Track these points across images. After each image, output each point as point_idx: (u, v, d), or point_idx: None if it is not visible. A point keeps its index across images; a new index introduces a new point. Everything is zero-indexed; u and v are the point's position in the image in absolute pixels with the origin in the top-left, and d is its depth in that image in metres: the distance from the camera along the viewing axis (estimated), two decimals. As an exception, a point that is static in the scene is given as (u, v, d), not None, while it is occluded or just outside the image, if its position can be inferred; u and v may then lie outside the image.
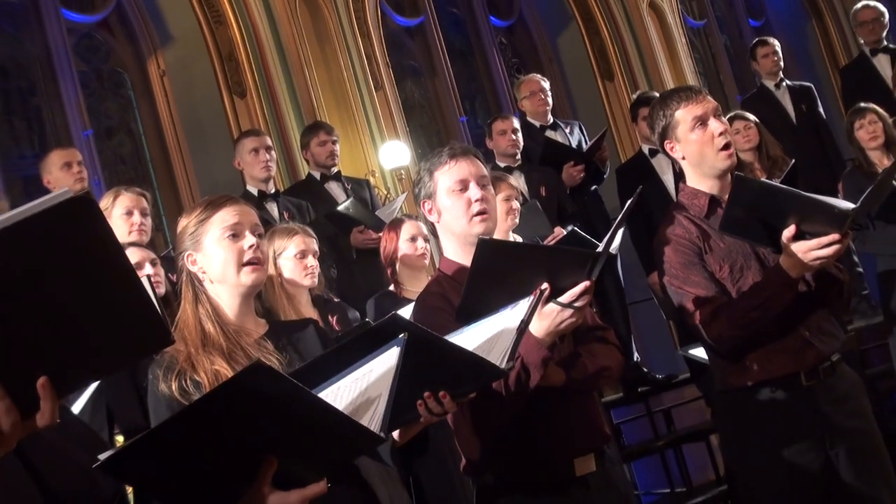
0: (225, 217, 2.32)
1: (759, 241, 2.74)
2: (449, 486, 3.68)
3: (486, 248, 2.26)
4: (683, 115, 2.86)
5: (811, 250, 2.56)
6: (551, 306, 2.28)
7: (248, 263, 2.30)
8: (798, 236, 2.59)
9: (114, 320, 1.25)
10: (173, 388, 2.18)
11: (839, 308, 2.91)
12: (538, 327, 2.28)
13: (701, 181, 2.91)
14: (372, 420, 1.69)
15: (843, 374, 2.85)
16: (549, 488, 2.48)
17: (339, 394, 1.81)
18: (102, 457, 1.43)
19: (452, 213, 2.55)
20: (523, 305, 2.16)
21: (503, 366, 2.02)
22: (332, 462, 1.70)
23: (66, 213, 1.14)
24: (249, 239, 2.31)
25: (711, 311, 2.75)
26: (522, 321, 2.11)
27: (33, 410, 1.24)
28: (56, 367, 1.25)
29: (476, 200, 2.52)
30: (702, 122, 2.84)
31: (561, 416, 2.48)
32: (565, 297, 2.27)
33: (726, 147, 2.84)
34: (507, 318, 2.15)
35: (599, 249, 2.33)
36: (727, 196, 2.78)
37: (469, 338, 2.14)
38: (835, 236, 2.53)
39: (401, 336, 1.86)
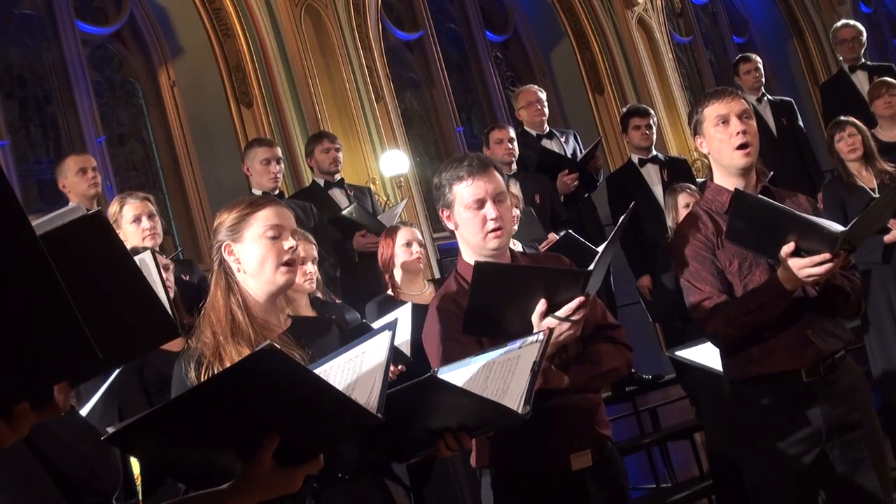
0: (269, 216, 2.35)
1: (760, 252, 2.78)
2: (446, 484, 3.81)
3: (484, 271, 2.32)
4: (709, 112, 2.91)
5: (804, 268, 2.61)
6: (549, 320, 2.34)
7: (286, 264, 2.34)
8: (796, 251, 2.63)
9: (123, 317, 1.28)
10: (202, 379, 2.22)
11: (847, 313, 2.91)
12: None
13: (725, 178, 2.94)
14: (368, 402, 1.71)
15: (846, 370, 2.85)
16: (548, 482, 2.55)
17: (331, 373, 1.84)
18: (112, 429, 1.45)
19: (469, 227, 2.61)
20: (533, 346, 2.15)
21: (521, 411, 2.03)
22: (330, 441, 1.73)
23: (81, 227, 1.21)
24: (290, 241, 2.35)
25: (711, 308, 2.81)
26: (535, 363, 2.11)
27: (44, 399, 1.26)
28: None
29: (491, 219, 2.57)
30: (724, 120, 2.88)
31: (560, 415, 2.53)
32: (562, 312, 2.35)
33: (743, 146, 2.86)
34: (519, 358, 2.15)
35: (591, 268, 2.39)
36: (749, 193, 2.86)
37: (481, 375, 2.17)
38: (826, 256, 2.58)
39: (393, 320, 1.92)
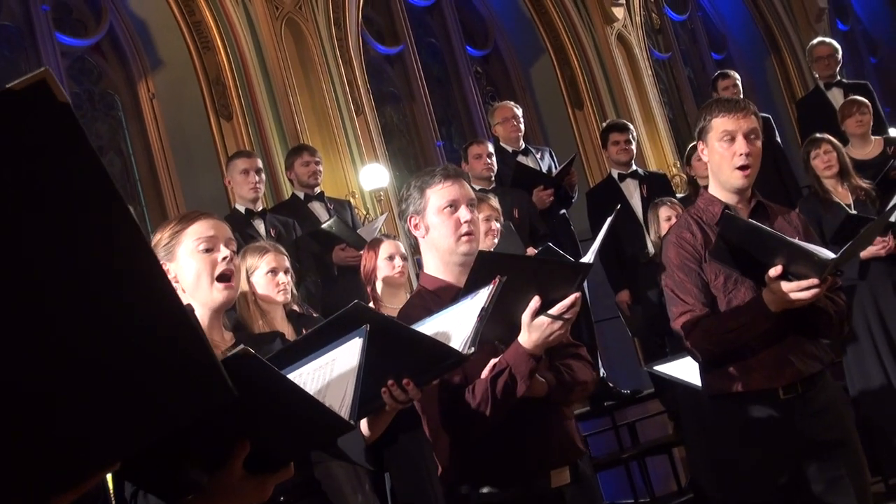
0: (199, 229, 2.30)
1: (745, 273, 2.76)
2: (422, 492, 3.73)
3: (485, 261, 2.27)
4: (717, 123, 2.87)
5: (791, 292, 2.61)
6: (542, 319, 2.31)
7: (222, 277, 2.29)
8: (783, 274, 2.63)
9: None
10: None
11: (830, 334, 2.90)
12: (529, 339, 2.31)
13: (719, 191, 2.93)
14: (340, 409, 1.68)
15: (823, 387, 2.84)
16: (525, 499, 2.49)
17: (302, 380, 1.80)
18: None
19: (441, 231, 2.58)
20: (483, 293, 2.13)
21: (464, 352, 2.00)
22: (303, 448, 1.69)
23: None
24: (223, 251, 2.29)
25: (692, 322, 2.80)
26: (483, 308, 2.08)
27: None
28: None
29: (465, 222, 2.56)
30: (730, 137, 2.84)
31: (538, 430, 2.50)
32: (555, 310, 2.31)
33: (743, 168, 2.84)
34: (468, 307, 2.13)
35: (590, 261, 2.38)
36: (740, 208, 2.88)
37: (431, 327, 2.14)
38: (814, 281, 2.59)
39: (363, 327, 1.84)
